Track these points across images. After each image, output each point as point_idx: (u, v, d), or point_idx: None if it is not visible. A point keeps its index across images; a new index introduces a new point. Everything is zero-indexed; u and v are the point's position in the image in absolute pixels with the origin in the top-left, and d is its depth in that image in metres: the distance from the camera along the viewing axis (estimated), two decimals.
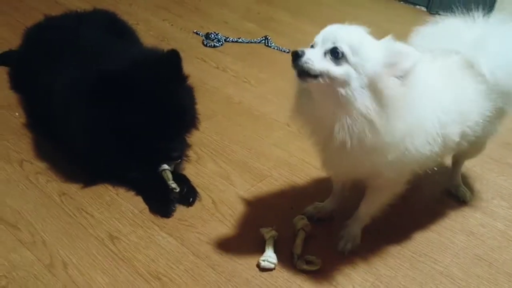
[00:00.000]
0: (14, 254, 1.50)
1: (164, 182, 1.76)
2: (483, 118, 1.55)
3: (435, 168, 1.60)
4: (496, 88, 1.52)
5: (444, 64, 1.52)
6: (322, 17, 3.59)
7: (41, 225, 1.62)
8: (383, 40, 1.29)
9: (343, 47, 1.23)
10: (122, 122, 1.66)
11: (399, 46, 1.27)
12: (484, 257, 1.70)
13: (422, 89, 1.30)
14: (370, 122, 1.25)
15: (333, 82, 1.24)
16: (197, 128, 1.96)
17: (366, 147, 1.28)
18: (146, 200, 1.77)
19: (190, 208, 1.76)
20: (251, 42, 3.11)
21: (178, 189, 1.75)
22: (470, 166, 2.14)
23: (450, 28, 1.61)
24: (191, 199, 1.79)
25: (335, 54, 1.24)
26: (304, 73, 1.25)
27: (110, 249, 1.56)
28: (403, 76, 1.24)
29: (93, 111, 1.66)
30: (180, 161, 1.90)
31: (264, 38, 3.13)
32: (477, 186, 2.06)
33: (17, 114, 2.14)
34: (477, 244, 1.76)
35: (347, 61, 1.24)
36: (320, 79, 1.24)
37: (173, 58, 1.77)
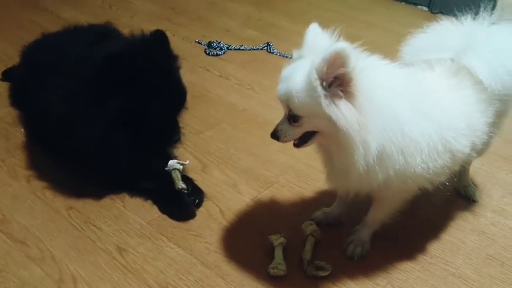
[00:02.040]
0: (23, 271, 1.50)
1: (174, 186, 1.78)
2: (488, 126, 1.52)
3: (447, 183, 1.58)
4: (496, 93, 1.47)
5: (443, 73, 1.48)
6: (323, 21, 3.56)
7: (49, 240, 1.62)
8: (306, 63, 1.24)
9: (296, 111, 1.28)
10: (130, 110, 1.64)
11: (321, 58, 1.17)
12: (496, 256, 1.68)
13: (417, 111, 1.30)
14: (364, 143, 1.25)
15: (317, 133, 1.32)
16: (186, 108, 1.91)
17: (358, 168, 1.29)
18: (164, 209, 1.78)
19: (197, 218, 1.76)
20: (254, 49, 3.11)
21: (186, 189, 1.77)
22: (478, 165, 2.12)
23: (438, 36, 1.57)
24: (197, 201, 1.79)
25: (294, 119, 1.31)
26: (297, 145, 1.40)
27: (118, 261, 1.56)
28: (351, 79, 1.19)
29: (104, 103, 1.63)
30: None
31: (266, 44, 3.13)
32: (486, 184, 2.04)
33: (22, 130, 2.14)
34: (489, 243, 1.74)
35: (304, 119, 1.29)
36: (308, 141, 1.36)
37: (160, 37, 1.75)
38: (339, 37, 1.29)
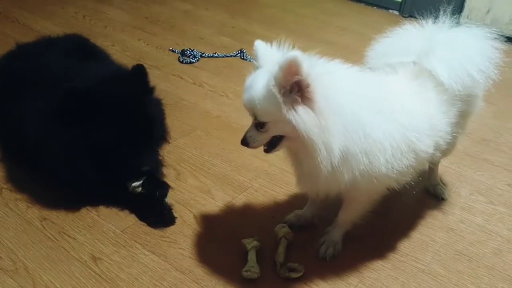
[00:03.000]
0: None
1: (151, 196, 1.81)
2: (451, 126, 1.57)
3: (412, 183, 1.61)
4: (457, 93, 1.52)
5: (405, 76, 1.52)
6: (297, 28, 3.64)
7: (22, 252, 1.61)
8: (264, 70, 1.31)
9: (261, 118, 1.32)
10: (90, 137, 1.65)
11: (278, 66, 1.22)
12: (464, 252, 1.73)
13: (378, 111, 1.33)
14: (327, 144, 1.28)
15: (284, 138, 1.36)
16: (167, 141, 1.98)
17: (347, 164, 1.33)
18: (142, 219, 1.79)
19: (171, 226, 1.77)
20: (227, 56, 3.14)
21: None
22: (447, 164, 2.18)
23: (400, 40, 1.61)
24: (157, 193, 1.82)
25: (260, 126, 1.35)
26: (267, 150, 1.43)
27: (93, 270, 1.56)
28: (309, 84, 1.23)
29: (63, 127, 1.65)
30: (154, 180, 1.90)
31: (239, 51, 3.16)
32: (455, 183, 2.10)
33: None
34: (457, 240, 1.79)
35: (269, 125, 1.33)
36: (277, 146, 1.40)
37: (138, 71, 1.79)
38: (289, 47, 1.34)
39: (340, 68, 1.34)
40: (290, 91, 1.23)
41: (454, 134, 1.63)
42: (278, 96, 1.24)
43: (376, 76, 1.51)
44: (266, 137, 1.38)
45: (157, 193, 1.83)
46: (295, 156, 1.48)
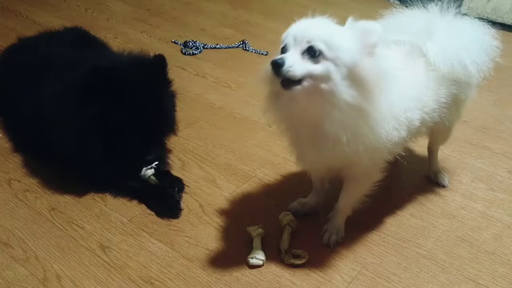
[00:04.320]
0: (8, 271, 1.54)
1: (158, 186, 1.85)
2: (438, 105, 1.60)
3: (403, 153, 1.63)
4: (448, 75, 1.56)
5: (399, 52, 1.56)
6: (299, 18, 3.63)
7: (32, 241, 1.65)
8: (346, 25, 1.34)
9: (319, 45, 1.26)
10: (105, 117, 1.69)
11: (361, 24, 1.30)
12: (465, 238, 1.76)
13: (388, 72, 1.34)
14: (360, 111, 1.30)
15: (316, 81, 1.27)
16: (175, 134, 2.01)
17: (359, 136, 1.34)
18: (151, 207, 1.82)
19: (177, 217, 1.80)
20: (229, 47, 3.16)
21: (167, 185, 1.85)
22: (448, 152, 2.21)
23: (402, 20, 1.65)
24: (176, 189, 1.85)
25: (313, 53, 1.26)
26: (288, 81, 1.28)
27: (102, 258, 1.60)
28: (373, 53, 1.29)
29: (81, 105, 1.69)
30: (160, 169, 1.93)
31: (241, 42, 3.18)
32: (456, 170, 2.12)
33: (0, 135, 2.17)
34: (458, 226, 1.82)
35: (324, 57, 1.26)
36: (304, 82, 1.27)
37: (159, 62, 1.84)
38: None
39: None
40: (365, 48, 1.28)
41: (445, 117, 1.65)
42: (356, 44, 1.28)
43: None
44: (305, 68, 1.26)
45: (176, 188, 1.86)
46: (294, 129, 1.46)
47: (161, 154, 1.98)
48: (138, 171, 1.85)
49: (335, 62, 1.26)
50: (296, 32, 1.31)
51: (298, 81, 1.27)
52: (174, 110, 1.95)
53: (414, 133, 1.60)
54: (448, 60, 1.52)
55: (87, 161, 1.78)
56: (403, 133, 1.46)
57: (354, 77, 1.27)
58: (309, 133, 1.40)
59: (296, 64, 1.26)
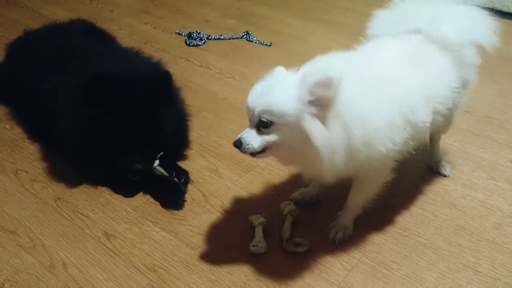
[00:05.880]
0: (15, 259, 1.57)
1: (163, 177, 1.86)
2: (451, 90, 1.59)
3: (414, 152, 1.62)
4: (459, 58, 1.58)
5: (407, 45, 1.56)
6: (302, 9, 3.64)
7: (39, 230, 1.69)
8: (298, 76, 1.31)
9: (266, 117, 1.30)
10: (99, 121, 1.71)
11: (314, 77, 1.25)
12: (465, 226, 1.78)
13: (358, 104, 1.32)
14: (340, 140, 1.30)
15: (277, 145, 1.34)
16: (182, 158, 2.04)
17: (354, 154, 1.34)
18: (156, 199, 1.85)
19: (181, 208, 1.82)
20: (233, 38, 3.17)
21: (173, 175, 1.86)
22: (450, 141, 2.22)
23: (407, 9, 1.65)
24: (182, 180, 1.87)
25: (264, 125, 1.32)
26: (253, 154, 1.38)
27: (106, 246, 1.63)
28: (329, 105, 1.26)
29: (82, 108, 1.72)
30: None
31: (245, 33, 3.19)
32: (458, 160, 2.13)
33: (7, 126, 2.20)
34: (459, 215, 1.83)
35: (275, 125, 1.31)
36: (267, 150, 1.37)
37: (162, 79, 1.82)
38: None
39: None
40: (312, 102, 1.26)
41: (455, 102, 1.65)
42: (303, 100, 1.25)
43: (367, 56, 1.54)
44: (262, 140, 1.34)
45: (183, 179, 1.88)
46: (286, 161, 1.51)
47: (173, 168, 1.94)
48: (124, 177, 1.82)
49: (286, 125, 1.30)
50: (249, 105, 1.36)
51: (262, 151, 1.37)
52: (182, 129, 1.98)
53: (427, 128, 1.57)
54: (467, 37, 1.58)
55: (81, 156, 1.81)
56: (408, 135, 1.45)
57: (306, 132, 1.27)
58: (306, 162, 1.41)
59: (252, 140, 1.35)
